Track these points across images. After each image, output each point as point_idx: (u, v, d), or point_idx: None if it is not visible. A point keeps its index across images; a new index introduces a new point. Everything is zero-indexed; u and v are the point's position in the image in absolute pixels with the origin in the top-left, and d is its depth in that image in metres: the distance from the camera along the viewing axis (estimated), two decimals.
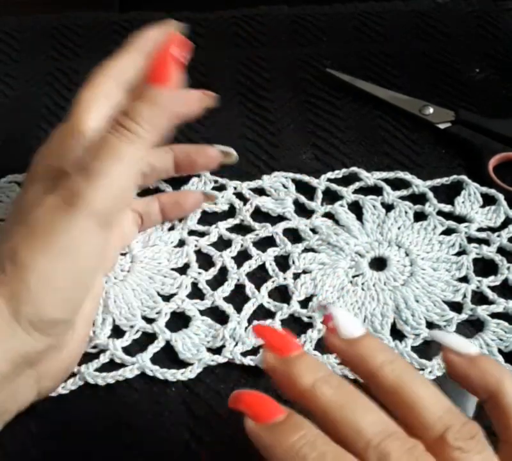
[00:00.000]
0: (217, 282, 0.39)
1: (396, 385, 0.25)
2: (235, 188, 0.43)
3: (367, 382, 0.26)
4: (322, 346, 0.37)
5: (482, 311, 0.38)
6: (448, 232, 0.41)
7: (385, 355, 0.26)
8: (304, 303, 0.39)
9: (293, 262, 0.40)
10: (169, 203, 0.40)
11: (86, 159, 0.29)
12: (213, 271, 0.40)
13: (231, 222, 0.42)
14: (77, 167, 0.29)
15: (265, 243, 0.41)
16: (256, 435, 0.24)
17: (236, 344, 0.37)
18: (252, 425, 0.24)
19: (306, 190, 0.43)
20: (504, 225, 0.42)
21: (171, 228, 0.41)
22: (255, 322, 0.37)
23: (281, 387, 0.26)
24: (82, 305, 0.32)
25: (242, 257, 0.40)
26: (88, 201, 0.28)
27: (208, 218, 0.42)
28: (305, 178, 0.44)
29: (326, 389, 0.24)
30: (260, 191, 0.43)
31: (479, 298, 0.39)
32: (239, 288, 0.39)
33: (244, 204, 0.42)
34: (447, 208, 0.42)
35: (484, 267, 0.40)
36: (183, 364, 0.36)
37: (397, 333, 0.37)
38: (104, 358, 0.36)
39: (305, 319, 0.38)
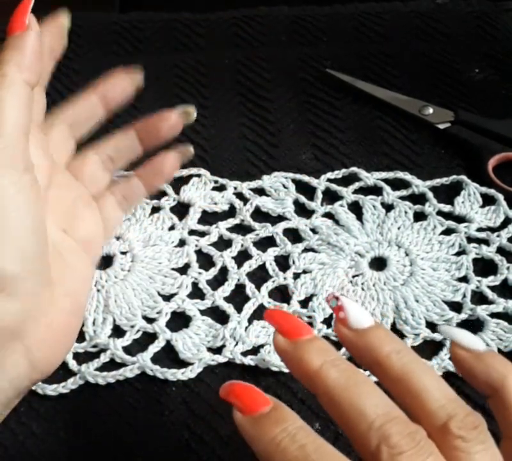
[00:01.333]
0: (218, 281, 0.40)
1: (402, 373, 0.25)
2: (235, 188, 0.43)
3: (373, 372, 0.26)
4: None
5: (482, 311, 0.38)
6: (448, 232, 0.42)
7: (393, 345, 0.26)
8: (305, 303, 0.39)
9: (293, 262, 0.40)
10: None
11: None
12: (213, 271, 0.40)
13: (231, 222, 0.42)
14: None
15: (265, 243, 0.41)
16: (242, 427, 0.25)
17: (236, 344, 0.37)
18: (239, 417, 0.25)
19: (306, 190, 0.43)
20: (504, 225, 0.42)
21: (172, 228, 0.41)
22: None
23: (291, 369, 0.26)
24: (42, 261, 0.30)
25: (243, 256, 0.40)
26: None
27: (209, 218, 0.42)
28: (305, 178, 0.44)
29: (333, 372, 0.25)
30: (260, 191, 0.43)
31: (479, 298, 0.39)
32: (239, 288, 0.39)
33: (244, 204, 0.42)
34: (446, 208, 0.42)
35: (484, 267, 0.40)
36: (183, 364, 0.36)
37: (397, 333, 0.37)
38: (104, 358, 0.36)
39: (305, 319, 0.38)
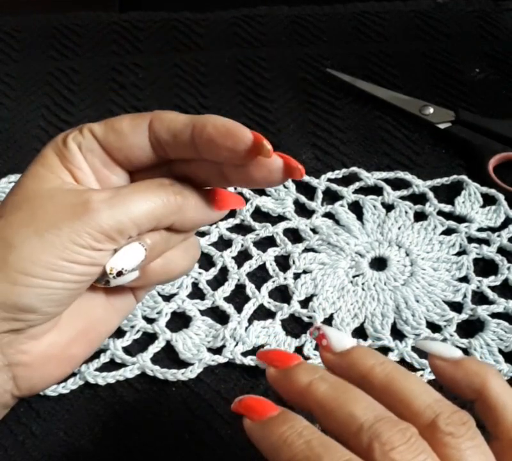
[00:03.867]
0: (218, 282, 0.39)
1: (386, 382, 0.26)
2: (235, 188, 0.43)
3: (360, 386, 0.27)
4: None
5: (483, 311, 0.38)
6: (448, 232, 0.41)
7: (375, 358, 0.27)
8: (305, 303, 0.39)
9: (293, 262, 0.40)
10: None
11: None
12: (213, 271, 0.40)
13: (231, 222, 0.42)
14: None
15: (265, 243, 0.41)
16: (251, 431, 0.26)
17: (236, 344, 0.37)
18: (249, 423, 0.26)
19: (307, 190, 0.43)
20: (504, 225, 0.42)
21: None
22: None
23: (283, 393, 0.27)
24: (58, 299, 0.29)
25: (243, 257, 0.40)
26: (99, 217, 0.28)
27: None
28: (305, 178, 0.44)
29: (322, 385, 0.26)
30: (261, 191, 0.43)
31: (479, 298, 0.39)
32: (240, 288, 0.39)
33: (245, 204, 0.42)
34: (447, 208, 0.42)
35: (485, 267, 0.40)
36: (183, 364, 0.36)
37: (397, 333, 0.38)
38: (104, 358, 0.36)
39: (305, 319, 0.38)
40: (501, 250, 0.41)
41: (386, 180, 0.44)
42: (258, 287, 0.39)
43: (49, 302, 0.28)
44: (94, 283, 0.30)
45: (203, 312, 0.38)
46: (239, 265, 0.40)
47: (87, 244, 0.28)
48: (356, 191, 0.43)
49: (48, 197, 0.29)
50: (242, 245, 0.41)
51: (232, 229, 0.42)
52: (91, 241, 0.28)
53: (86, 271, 0.29)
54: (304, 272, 0.40)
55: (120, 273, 0.29)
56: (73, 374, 0.35)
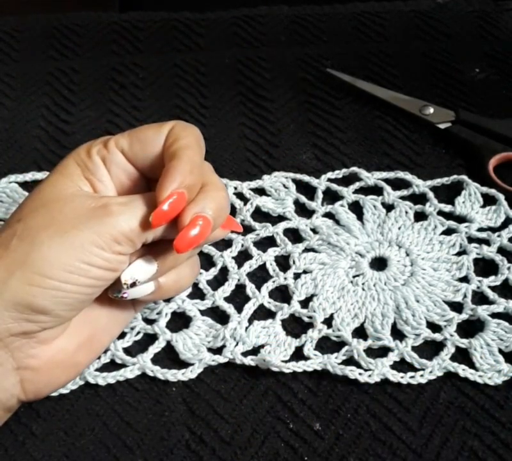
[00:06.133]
0: (218, 281, 0.39)
1: None
2: (235, 188, 0.43)
3: None
4: (322, 346, 0.37)
5: (483, 311, 0.38)
6: (448, 232, 0.41)
7: None
8: (305, 303, 0.39)
9: (293, 262, 0.40)
10: None
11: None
12: (213, 271, 0.40)
13: None
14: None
15: (265, 243, 0.41)
16: None
17: (237, 344, 0.37)
18: None
19: (307, 190, 0.43)
20: (504, 225, 0.42)
21: None
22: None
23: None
24: (71, 303, 0.30)
25: (243, 256, 0.40)
26: (120, 219, 0.29)
27: None
28: (305, 178, 0.44)
29: None
30: (261, 191, 0.43)
31: (480, 298, 0.39)
32: (240, 288, 0.39)
33: (245, 204, 0.42)
34: (447, 208, 0.42)
35: (485, 267, 0.40)
36: (184, 364, 0.36)
37: (397, 333, 0.37)
38: (104, 359, 0.36)
39: (306, 319, 0.38)
40: (501, 250, 0.41)
41: (386, 180, 0.44)
42: (259, 287, 0.39)
43: (62, 305, 0.29)
44: (113, 296, 0.32)
45: (203, 312, 0.38)
46: (239, 265, 0.40)
47: (106, 246, 0.29)
48: (356, 191, 0.43)
49: (66, 202, 0.30)
50: (242, 245, 0.41)
51: None
52: (111, 242, 0.29)
53: (101, 275, 0.30)
54: (305, 272, 0.40)
55: (133, 284, 0.31)
56: None
